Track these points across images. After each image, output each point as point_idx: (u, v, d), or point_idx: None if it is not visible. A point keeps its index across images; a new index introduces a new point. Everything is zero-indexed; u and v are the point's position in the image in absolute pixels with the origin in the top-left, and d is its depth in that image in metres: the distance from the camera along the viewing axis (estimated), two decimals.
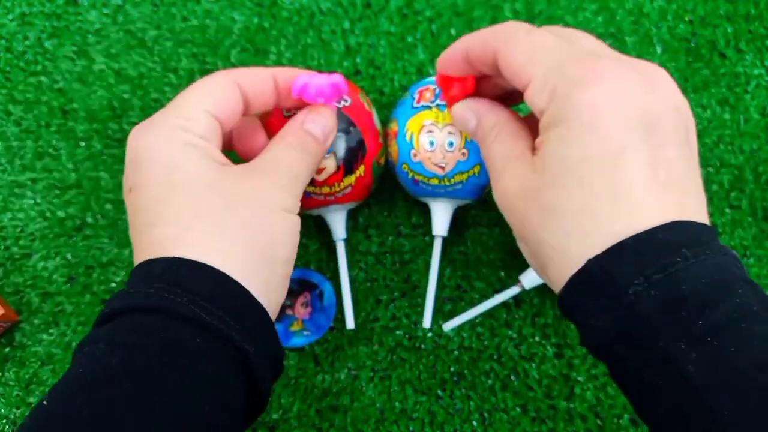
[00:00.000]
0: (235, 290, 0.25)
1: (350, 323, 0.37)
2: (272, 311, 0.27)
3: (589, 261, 0.22)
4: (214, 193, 0.26)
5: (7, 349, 0.38)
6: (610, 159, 0.22)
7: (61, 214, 0.40)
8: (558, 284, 0.24)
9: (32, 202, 0.40)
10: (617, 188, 0.22)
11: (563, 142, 0.23)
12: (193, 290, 0.24)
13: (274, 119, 0.34)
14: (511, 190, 0.26)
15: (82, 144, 0.41)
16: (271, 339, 0.26)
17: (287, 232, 0.28)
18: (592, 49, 0.25)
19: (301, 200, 0.35)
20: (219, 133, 0.28)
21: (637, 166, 0.22)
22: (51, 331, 0.38)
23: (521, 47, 0.25)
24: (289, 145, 0.29)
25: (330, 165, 0.34)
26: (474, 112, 0.29)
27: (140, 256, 0.26)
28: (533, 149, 0.26)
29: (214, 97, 0.28)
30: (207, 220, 0.25)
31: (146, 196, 0.26)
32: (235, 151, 0.33)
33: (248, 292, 0.25)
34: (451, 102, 0.31)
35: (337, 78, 0.32)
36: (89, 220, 0.40)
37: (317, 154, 0.30)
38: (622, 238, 0.22)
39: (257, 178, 0.27)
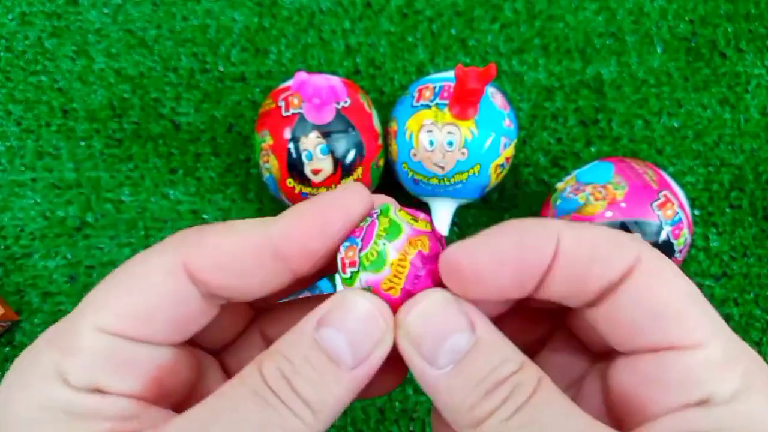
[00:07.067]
0: None
1: None
2: None
3: None
4: None
5: (7, 349, 0.38)
6: None
7: (61, 213, 0.40)
8: None
9: (32, 201, 0.40)
10: None
11: None
12: None
13: (273, 119, 0.34)
14: None
15: (82, 143, 0.41)
16: None
17: None
18: None
19: (296, 201, 0.35)
20: (123, 359, 0.17)
21: None
22: None
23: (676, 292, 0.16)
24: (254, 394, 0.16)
25: (327, 167, 0.34)
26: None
27: None
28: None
29: (131, 299, 0.17)
30: None
31: None
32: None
33: None
34: (469, 97, 0.30)
35: (336, 81, 0.32)
36: (89, 219, 0.40)
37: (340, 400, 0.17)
38: None
39: None
